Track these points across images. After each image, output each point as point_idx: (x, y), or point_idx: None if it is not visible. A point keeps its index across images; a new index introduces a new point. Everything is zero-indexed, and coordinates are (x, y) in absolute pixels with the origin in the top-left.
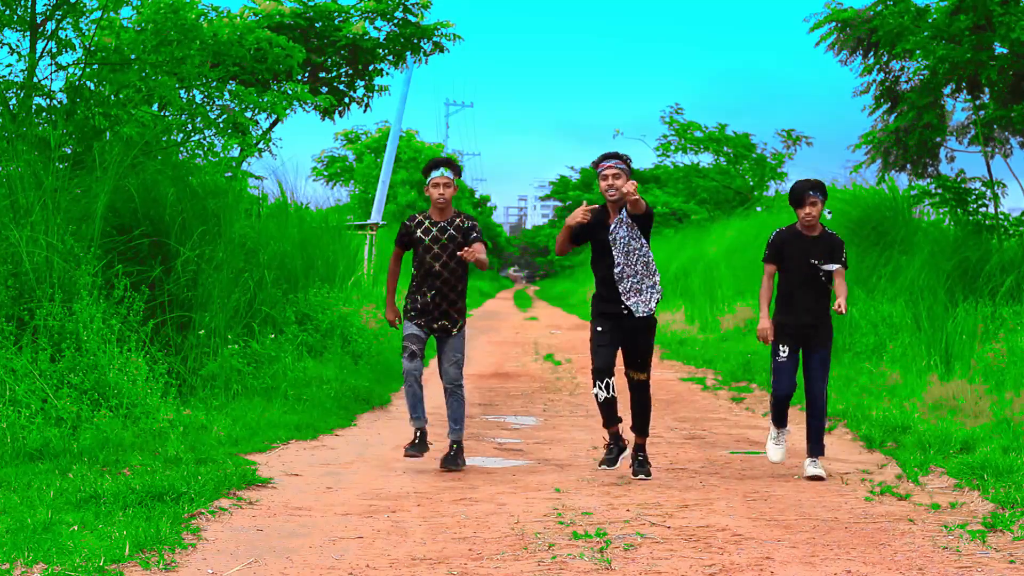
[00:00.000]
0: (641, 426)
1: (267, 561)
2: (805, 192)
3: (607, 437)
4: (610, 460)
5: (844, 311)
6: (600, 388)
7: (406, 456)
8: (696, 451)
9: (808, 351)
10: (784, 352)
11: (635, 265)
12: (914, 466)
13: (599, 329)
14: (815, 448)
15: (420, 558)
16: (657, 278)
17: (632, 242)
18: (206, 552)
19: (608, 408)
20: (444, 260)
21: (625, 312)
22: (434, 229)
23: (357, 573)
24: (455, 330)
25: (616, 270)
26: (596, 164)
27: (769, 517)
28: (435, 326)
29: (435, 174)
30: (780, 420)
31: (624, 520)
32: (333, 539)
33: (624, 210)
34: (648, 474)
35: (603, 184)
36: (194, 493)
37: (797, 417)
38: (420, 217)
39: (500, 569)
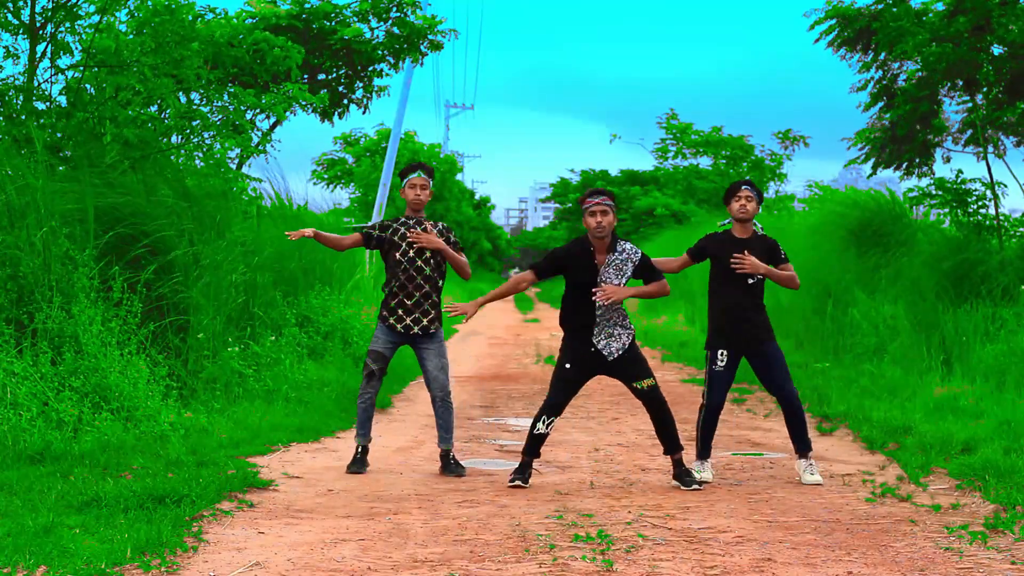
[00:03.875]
0: (670, 441)
1: (269, 563)
2: (738, 186)
3: (522, 459)
4: (524, 478)
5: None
6: (543, 423)
7: (348, 472)
8: None
9: (753, 350)
10: (722, 360)
11: (614, 313)
12: (915, 467)
13: (567, 366)
14: (802, 446)
15: (421, 560)
16: (628, 320)
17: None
18: (208, 555)
19: (538, 441)
20: (425, 258)
21: (594, 351)
22: (411, 227)
23: (358, 575)
24: (435, 330)
25: (598, 312)
26: (582, 200)
27: (770, 518)
28: (416, 328)
29: (411, 176)
30: (705, 448)
31: (625, 522)
32: (334, 541)
33: (614, 252)
34: (697, 482)
35: (591, 221)
36: (195, 496)
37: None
38: (402, 218)
39: (501, 571)
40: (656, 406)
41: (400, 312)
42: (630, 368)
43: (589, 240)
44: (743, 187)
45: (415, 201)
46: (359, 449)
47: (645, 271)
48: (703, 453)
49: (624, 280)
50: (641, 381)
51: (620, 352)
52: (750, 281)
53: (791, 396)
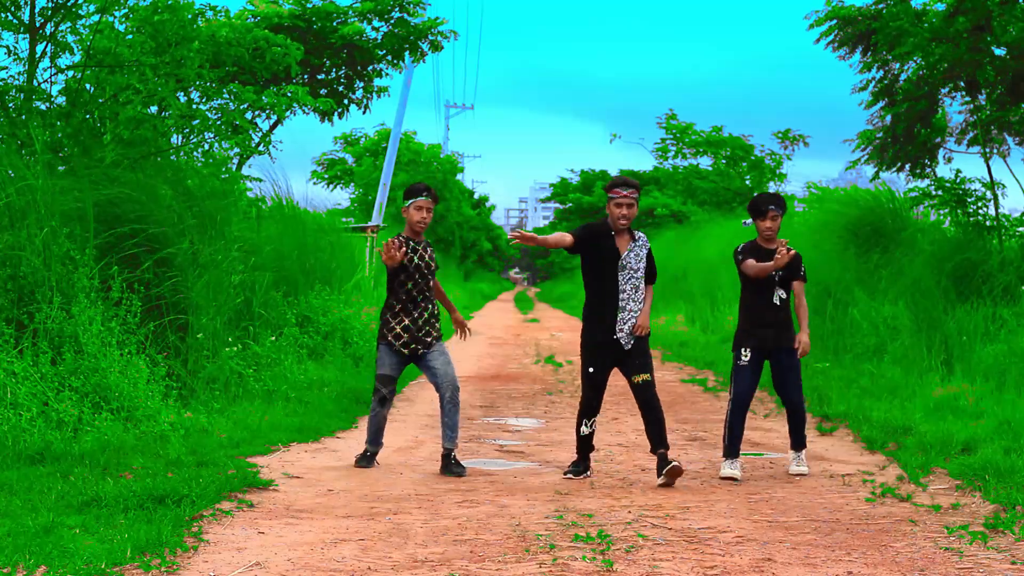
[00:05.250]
0: (658, 437)
1: (269, 563)
2: (766, 206)
3: (577, 454)
4: (575, 472)
5: (806, 351)
6: (585, 425)
7: (356, 465)
8: (697, 452)
9: (774, 355)
10: (746, 356)
11: (637, 300)
12: (915, 467)
13: (591, 370)
14: (799, 443)
15: (421, 560)
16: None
17: (638, 274)
18: (208, 555)
19: (586, 441)
20: (428, 279)
21: (614, 339)
22: (419, 248)
23: (358, 575)
24: (436, 343)
25: (622, 296)
26: (609, 188)
27: (770, 518)
28: (427, 341)
29: (419, 198)
30: (733, 448)
31: (626, 522)
32: (334, 541)
33: (634, 240)
34: (679, 472)
35: (617, 212)
36: (195, 496)
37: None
38: (403, 239)
39: (501, 571)
40: (647, 400)
41: (406, 337)
42: (636, 359)
43: (609, 225)
44: (771, 208)
45: (420, 223)
46: (368, 452)
47: (649, 264)
48: (730, 452)
49: (642, 265)
50: (639, 375)
51: (634, 342)
52: (778, 299)
53: (798, 406)
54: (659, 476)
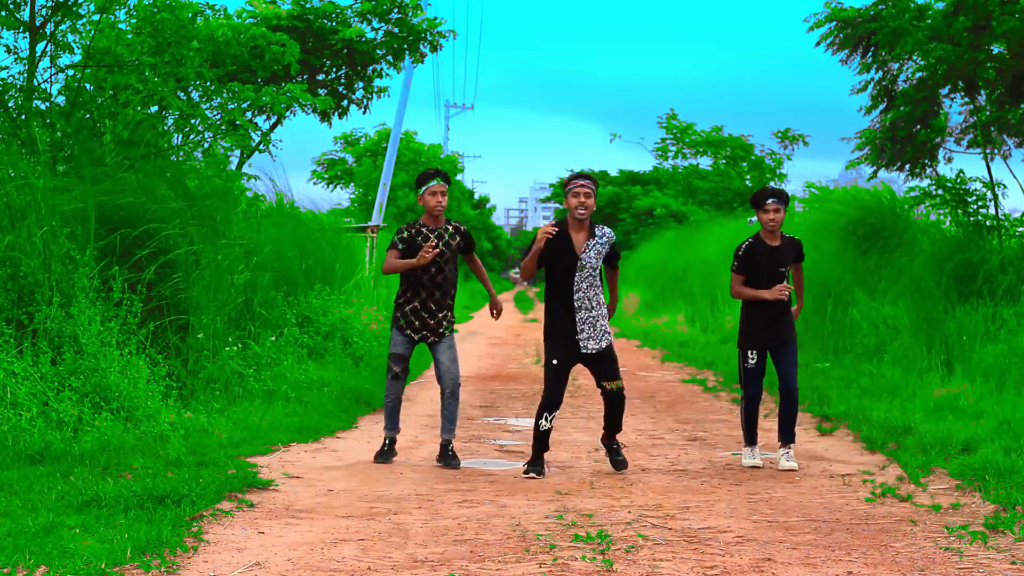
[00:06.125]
0: (613, 428)
1: (269, 563)
2: (766, 199)
3: (533, 452)
4: (538, 470)
5: (796, 316)
6: (545, 420)
7: (375, 462)
8: (697, 452)
9: (776, 349)
10: (753, 358)
11: (592, 298)
12: (915, 467)
13: (555, 362)
14: (787, 436)
15: (421, 560)
16: (607, 318)
17: (595, 271)
18: (208, 555)
19: (543, 439)
20: (440, 265)
21: (575, 341)
22: (432, 236)
23: (358, 575)
24: (449, 333)
25: (576, 295)
26: (567, 182)
27: (770, 518)
28: (438, 331)
29: (432, 183)
30: (752, 436)
31: (626, 522)
32: (334, 541)
33: (594, 236)
34: (626, 465)
35: (574, 201)
36: (195, 496)
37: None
38: (417, 226)
39: (501, 571)
40: (616, 404)
41: (417, 323)
42: (605, 367)
43: (566, 223)
44: (770, 200)
45: (437, 207)
46: (387, 441)
47: (612, 252)
48: (750, 440)
49: (600, 261)
50: (612, 382)
51: (597, 351)
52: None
53: (793, 388)
54: (612, 464)
